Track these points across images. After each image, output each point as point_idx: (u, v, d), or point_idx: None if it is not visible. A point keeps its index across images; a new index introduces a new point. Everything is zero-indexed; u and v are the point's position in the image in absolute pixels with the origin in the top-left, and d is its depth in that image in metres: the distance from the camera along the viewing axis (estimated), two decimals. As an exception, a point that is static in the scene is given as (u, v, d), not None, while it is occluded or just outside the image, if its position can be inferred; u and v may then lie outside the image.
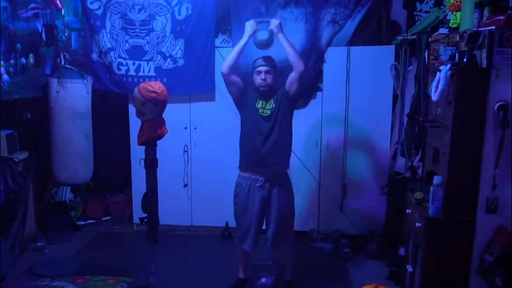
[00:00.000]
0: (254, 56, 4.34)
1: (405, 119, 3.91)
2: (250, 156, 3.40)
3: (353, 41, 4.43)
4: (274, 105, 3.35)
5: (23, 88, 4.15)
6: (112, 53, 4.50)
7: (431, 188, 2.76)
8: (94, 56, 4.56)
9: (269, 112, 3.34)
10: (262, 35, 3.38)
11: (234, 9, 4.47)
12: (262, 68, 3.33)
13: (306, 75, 4.39)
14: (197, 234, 4.86)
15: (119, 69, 4.53)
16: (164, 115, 3.18)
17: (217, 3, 4.40)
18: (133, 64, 4.53)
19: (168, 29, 4.44)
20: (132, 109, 4.45)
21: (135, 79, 4.52)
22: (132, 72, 4.53)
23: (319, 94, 4.49)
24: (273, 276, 3.58)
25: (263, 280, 3.56)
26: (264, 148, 3.34)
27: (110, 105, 4.96)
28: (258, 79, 3.34)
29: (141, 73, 4.53)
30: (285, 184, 3.46)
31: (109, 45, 4.49)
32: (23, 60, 4.14)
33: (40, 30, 4.26)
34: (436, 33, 3.45)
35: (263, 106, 3.36)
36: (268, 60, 3.36)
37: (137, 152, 3.81)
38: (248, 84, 3.44)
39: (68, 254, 4.35)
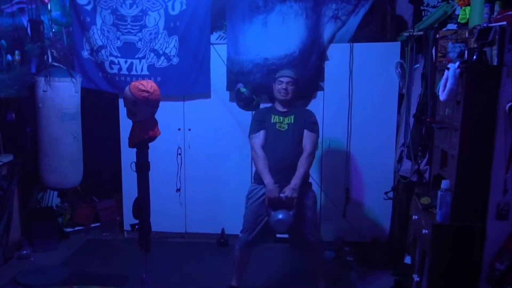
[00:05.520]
0: (249, 52, 4.40)
1: (411, 120, 3.90)
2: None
3: (357, 37, 4.43)
4: (292, 121, 3.50)
5: (9, 87, 4.15)
6: (103, 51, 4.51)
7: (439, 192, 2.75)
8: (85, 53, 4.55)
9: (286, 126, 3.50)
10: (281, 226, 3.30)
11: (230, 4, 4.47)
12: (284, 79, 3.55)
13: (307, 73, 4.40)
14: (191, 241, 4.85)
15: (111, 68, 4.54)
16: (156, 116, 3.17)
17: (212, -3, 4.41)
18: (125, 62, 4.53)
19: (161, 25, 4.44)
20: (122, 110, 4.43)
21: (128, 78, 4.52)
22: (124, 71, 4.54)
23: (320, 93, 4.49)
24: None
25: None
26: (284, 162, 3.43)
27: (99, 105, 4.95)
28: (278, 87, 3.55)
29: (133, 72, 4.55)
30: (304, 189, 3.50)
31: (100, 43, 4.50)
32: (9, 57, 4.13)
33: (25, 26, 4.25)
34: (444, 29, 3.46)
35: (281, 120, 3.51)
36: (290, 73, 3.60)
37: (128, 155, 3.79)
38: (259, 103, 3.74)
39: (55, 263, 4.33)
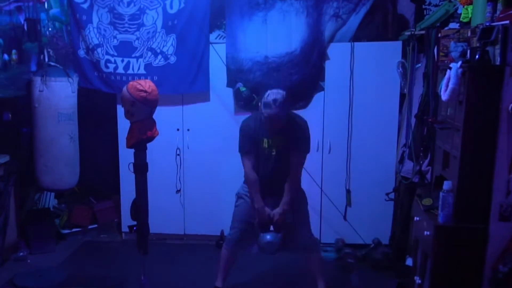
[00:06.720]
0: (248, 50, 4.39)
1: (413, 120, 3.90)
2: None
3: (358, 36, 4.42)
4: (282, 143, 3.38)
5: (6, 87, 4.14)
6: (99, 49, 4.50)
7: (441, 194, 2.75)
8: (81, 52, 4.56)
9: (275, 150, 3.40)
10: (270, 247, 3.43)
11: (229, 2, 4.46)
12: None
13: (307, 72, 4.40)
14: (190, 243, 4.85)
15: (107, 67, 4.53)
16: (155, 116, 3.17)
17: (211, -4, 4.40)
18: (122, 61, 4.52)
19: (159, 24, 4.44)
20: (120, 110, 4.44)
21: (124, 77, 4.51)
22: (120, 70, 4.53)
23: (321, 93, 4.49)
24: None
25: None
26: (272, 184, 3.44)
27: (97, 105, 4.95)
28: (265, 115, 3.27)
29: (130, 71, 4.54)
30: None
31: (96, 41, 4.49)
32: (6, 56, 4.13)
33: (23, 24, 4.25)
34: (446, 28, 3.45)
35: (271, 144, 3.39)
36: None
37: (126, 156, 3.80)
38: (249, 121, 3.50)
39: (52, 265, 4.33)
